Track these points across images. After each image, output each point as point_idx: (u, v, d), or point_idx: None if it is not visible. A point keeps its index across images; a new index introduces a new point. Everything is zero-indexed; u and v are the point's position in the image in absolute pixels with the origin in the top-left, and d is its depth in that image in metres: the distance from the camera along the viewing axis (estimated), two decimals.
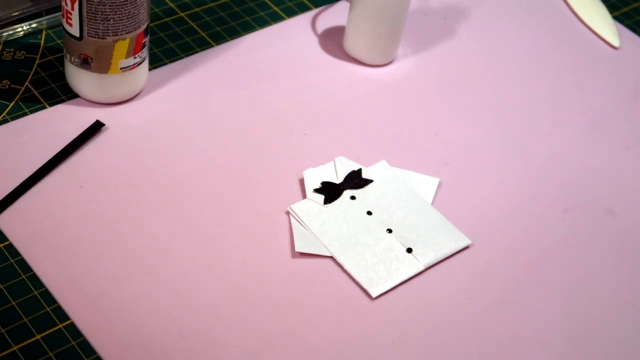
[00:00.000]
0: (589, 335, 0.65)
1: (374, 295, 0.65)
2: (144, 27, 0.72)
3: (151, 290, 0.63)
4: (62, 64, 0.77)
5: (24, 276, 0.63)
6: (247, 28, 0.84)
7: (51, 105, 0.74)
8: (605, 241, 0.72)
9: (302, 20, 0.86)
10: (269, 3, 0.87)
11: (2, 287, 0.62)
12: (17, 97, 0.74)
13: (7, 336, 0.60)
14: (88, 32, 0.70)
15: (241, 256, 0.66)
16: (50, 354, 0.59)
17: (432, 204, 0.72)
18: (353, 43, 0.82)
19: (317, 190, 0.70)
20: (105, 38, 0.70)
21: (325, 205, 0.70)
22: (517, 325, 0.65)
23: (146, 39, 0.73)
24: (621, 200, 0.75)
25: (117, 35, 0.70)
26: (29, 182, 0.68)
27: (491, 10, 0.91)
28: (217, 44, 0.82)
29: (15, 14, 0.79)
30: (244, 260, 0.66)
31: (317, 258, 0.67)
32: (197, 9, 0.85)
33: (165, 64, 0.79)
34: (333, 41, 0.84)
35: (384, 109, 0.79)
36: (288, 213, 0.69)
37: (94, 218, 0.67)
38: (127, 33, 0.70)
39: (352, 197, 0.71)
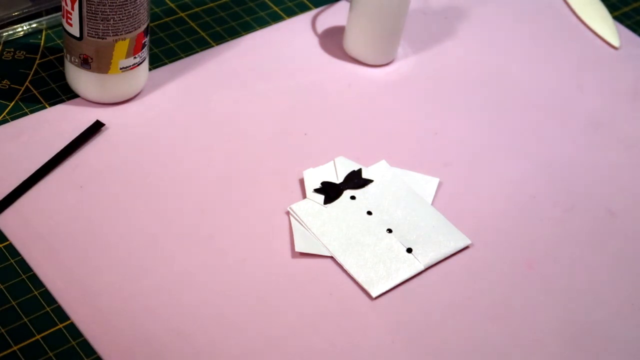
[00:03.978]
0: (589, 335, 0.65)
1: (374, 295, 0.65)
2: (144, 27, 0.72)
3: (151, 290, 0.63)
4: (62, 64, 0.77)
5: (24, 276, 0.63)
6: (247, 28, 0.84)
7: (51, 105, 0.74)
8: (605, 241, 0.72)
9: (302, 20, 0.86)
10: (269, 3, 0.87)
11: (2, 287, 0.62)
12: (17, 97, 0.74)
13: (7, 336, 0.60)
14: (88, 32, 0.70)
15: (241, 256, 0.66)
16: (50, 354, 0.59)
17: (432, 204, 0.72)
18: (353, 43, 0.82)
19: (317, 190, 0.70)
20: (105, 38, 0.70)
21: (325, 205, 0.70)
22: (517, 325, 0.65)
23: (146, 39, 0.73)
24: (621, 200, 0.75)
25: (117, 35, 0.70)
26: (29, 182, 0.68)
27: (491, 10, 0.91)
28: (217, 44, 0.82)
29: (15, 14, 0.79)
30: (244, 260, 0.66)
31: (317, 258, 0.67)
32: (197, 9, 0.85)
33: (165, 64, 0.79)
34: (333, 41, 0.84)
35: (384, 109, 0.79)
36: (288, 213, 0.69)
37: (94, 218, 0.67)
38: (127, 33, 0.70)
39: (352, 197, 0.71)
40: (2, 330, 0.60)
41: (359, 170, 0.72)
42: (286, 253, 0.67)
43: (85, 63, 0.72)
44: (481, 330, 0.64)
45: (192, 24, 0.84)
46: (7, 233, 0.65)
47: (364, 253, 0.67)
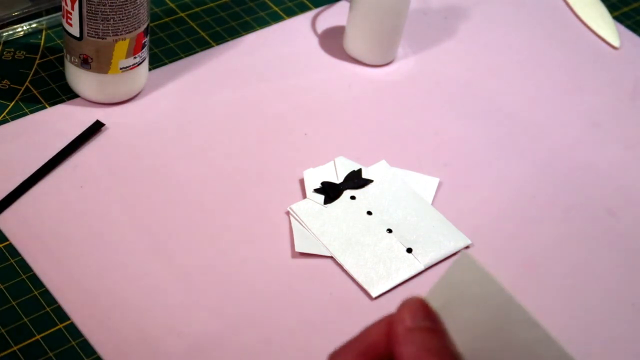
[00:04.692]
0: (589, 335, 0.65)
1: (374, 295, 0.65)
2: (144, 27, 0.72)
3: (151, 290, 0.63)
4: (62, 64, 0.77)
5: (24, 276, 0.63)
6: (247, 28, 0.84)
7: (51, 105, 0.74)
8: (605, 241, 0.72)
9: (302, 20, 0.86)
10: (269, 3, 0.87)
11: (2, 287, 0.62)
12: (17, 97, 0.74)
13: (7, 336, 0.60)
14: (88, 32, 0.70)
15: (241, 256, 0.66)
16: (50, 354, 0.59)
17: (432, 204, 0.72)
18: (353, 43, 0.82)
19: (317, 190, 0.70)
20: (105, 38, 0.70)
21: (325, 205, 0.70)
22: None
23: (146, 39, 0.73)
24: (621, 200, 0.75)
25: (117, 35, 0.70)
26: (29, 182, 0.68)
27: (491, 10, 0.91)
28: (217, 44, 0.82)
29: (15, 14, 0.79)
30: (244, 261, 0.66)
31: (317, 258, 0.67)
32: (197, 9, 0.85)
33: (165, 64, 0.79)
34: (333, 41, 0.84)
35: (384, 109, 0.79)
36: (288, 213, 0.69)
37: (94, 218, 0.67)
38: (127, 33, 0.70)
39: (352, 197, 0.71)
40: (2, 330, 0.60)
41: (359, 170, 0.72)
42: (286, 253, 0.67)
43: (85, 63, 0.72)
44: None
45: (192, 24, 0.84)
46: (7, 233, 0.65)
47: (364, 253, 0.67)
